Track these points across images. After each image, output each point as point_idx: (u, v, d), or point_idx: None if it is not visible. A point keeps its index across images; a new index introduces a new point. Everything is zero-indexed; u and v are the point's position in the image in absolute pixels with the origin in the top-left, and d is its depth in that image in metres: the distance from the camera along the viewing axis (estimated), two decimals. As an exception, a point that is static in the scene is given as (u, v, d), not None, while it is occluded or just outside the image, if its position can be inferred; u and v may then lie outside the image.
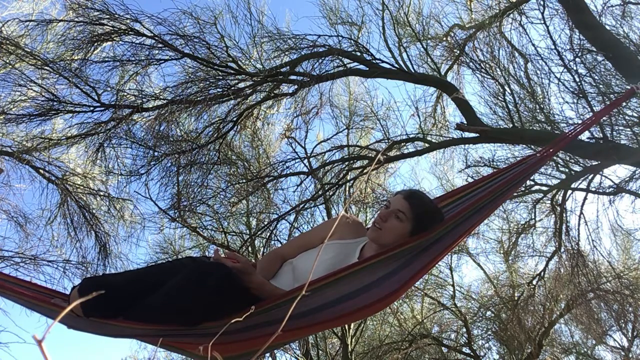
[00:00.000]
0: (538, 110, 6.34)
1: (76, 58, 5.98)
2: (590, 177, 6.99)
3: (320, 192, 7.15)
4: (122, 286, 1.82)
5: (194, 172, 6.66)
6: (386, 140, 7.30)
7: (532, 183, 7.39)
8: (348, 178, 7.61)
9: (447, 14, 9.41)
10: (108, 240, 7.20)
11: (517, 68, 6.58)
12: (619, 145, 5.41)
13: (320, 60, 6.26)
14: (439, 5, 8.75)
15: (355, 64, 6.54)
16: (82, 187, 7.14)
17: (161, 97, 6.15)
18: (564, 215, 7.43)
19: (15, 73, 6.09)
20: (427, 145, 6.85)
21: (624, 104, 5.47)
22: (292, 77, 6.43)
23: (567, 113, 10.84)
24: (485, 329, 11.08)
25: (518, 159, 5.94)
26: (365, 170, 7.01)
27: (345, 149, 8.24)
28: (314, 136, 9.32)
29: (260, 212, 9.08)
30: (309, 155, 7.66)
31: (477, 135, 6.08)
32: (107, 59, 6.08)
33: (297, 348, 10.73)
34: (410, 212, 1.91)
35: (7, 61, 6.07)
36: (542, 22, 5.74)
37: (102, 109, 6.02)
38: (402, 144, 7.18)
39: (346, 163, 7.27)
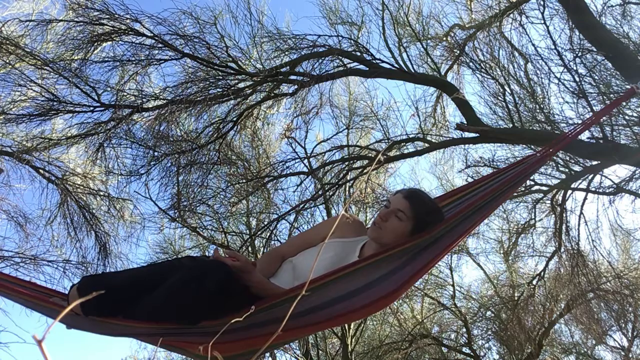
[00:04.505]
0: (538, 110, 6.33)
1: (76, 58, 5.98)
2: (590, 177, 6.99)
3: (320, 192, 7.15)
4: (122, 285, 1.81)
5: (194, 172, 6.66)
6: (386, 140, 7.30)
7: (532, 183, 7.38)
8: (348, 178, 7.59)
9: (447, 14, 9.43)
10: (108, 240, 7.20)
11: (517, 68, 6.58)
12: (619, 145, 5.41)
13: (320, 60, 6.26)
14: (439, 5, 8.79)
15: (355, 64, 6.54)
16: (82, 187, 7.14)
17: (161, 97, 6.15)
18: (564, 215, 7.43)
19: (15, 73, 6.09)
20: (427, 145, 6.85)
21: (624, 103, 5.47)
22: (292, 77, 6.43)
23: (567, 113, 10.84)
24: (485, 329, 11.07)
25: (518, 159, 5.94)
26: (365, 170, 7.00)
27: (345, 149, 8.24)
28: (314, 136, 9.31)
29: (260, 212, 9.09)
30: (309, 155, 7.65)
31: (477, 135, 6.08)
32: (107, 59, 6.07)
33: (297, 348, 10.73)
34: (411, 212, 1.91)
35: (7, 61, 6.07)
36: (542, 22, 5.73)
37: (102, 109, 6.02)
38: (402, 144, 7.18)
39: (346, 163, 7.26)
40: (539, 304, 9.90)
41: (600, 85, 5.69)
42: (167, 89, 6.15)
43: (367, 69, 6.51)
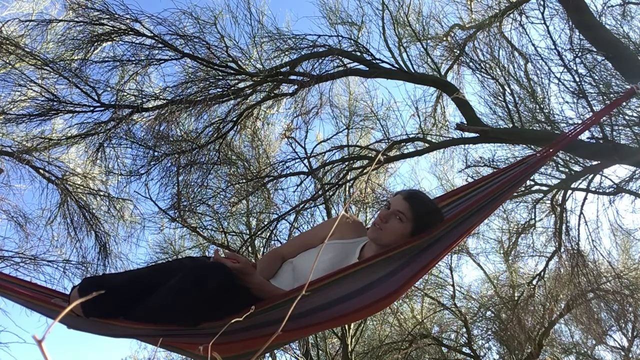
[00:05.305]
0: (538, 110, 6.34)
1: (76, 58, 5.98)
2: (590, 177, 7.00)
3: (320, 192, 7.15)
4: (122, 286, 1.81)
5: (194, 172, 6.66)
6: (386, 140, 7.30)
7: (532, 183, 7.39)
8: (348, 178, 7.60)
9: (447, 14, 9.38)
10: (108, 240, 7.20)
11: (517, 68, 6.59)
12: (619, 145, 5.41)
13: (320, 60, 6.26)
14: (439, 5, 8.76)
15: (355, 64, 6.54)
16: (82, 187, 7.14)
17: (161, 97, 6.15)
18: (564, 215, 7.43)
19: (15, 73, 6.09)
20: (427, 145, 6.84)
21: (624, 104, 5.47)
22: (292, 77, 6.42)
23: (567, 113, 10.87)
24: (485, 329, 11.08)
25: (518, 159, 5.94)
26: (365, 170, 7.00)
27: (345, 149, 8.24)
28: (314, 136, 9.34)
29: (260, 212, 9.09)
30: (309, 155, 7.65)
31: (477, 135, 6.08)
32: (107, 59, 6.07)
33: (297, 348, 10.74)
34: (411, 213, 1.91)
35: (7, 61, 6.07)
36: (542, 22, 5.73)
37: (102, 109, 6.02)
38: (402, 144, 7.18)
39: (346, 163, 7.26)
40: (539, 304, 9.90)
41: (600, 85, 5.70)
42: (167, 89, 6.15)
43: (367, 69, 6.50)
